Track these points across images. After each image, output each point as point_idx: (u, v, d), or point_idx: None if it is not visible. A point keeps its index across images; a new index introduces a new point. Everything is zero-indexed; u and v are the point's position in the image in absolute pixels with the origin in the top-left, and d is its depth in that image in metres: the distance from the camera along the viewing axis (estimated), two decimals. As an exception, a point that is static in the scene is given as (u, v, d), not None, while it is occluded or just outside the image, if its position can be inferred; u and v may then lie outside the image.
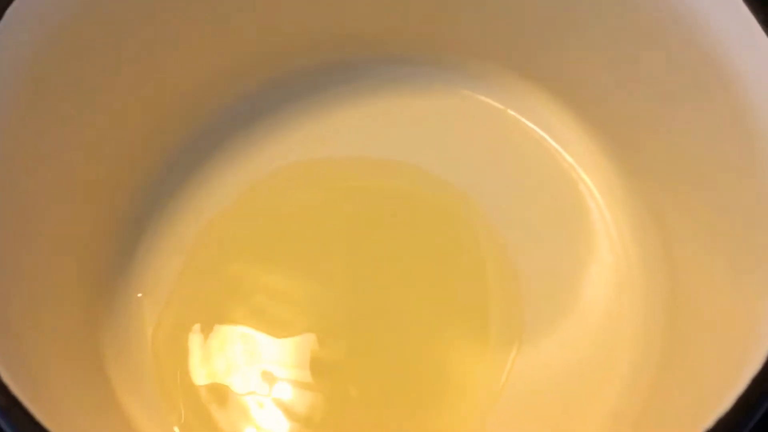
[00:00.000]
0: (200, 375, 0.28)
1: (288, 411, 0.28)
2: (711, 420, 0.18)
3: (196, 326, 0.29)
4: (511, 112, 0.33)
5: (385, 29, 0.32)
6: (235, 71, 0.32)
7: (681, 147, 0.28)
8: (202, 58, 0.30)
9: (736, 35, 0.24)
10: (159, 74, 0.29)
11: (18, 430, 0.17)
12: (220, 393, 0.28)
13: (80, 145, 0.27)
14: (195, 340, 0.29)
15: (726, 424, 0.18)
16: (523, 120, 0.33)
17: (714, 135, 0.26)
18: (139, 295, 0.29)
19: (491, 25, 0.31)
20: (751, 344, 0.20)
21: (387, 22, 0.32)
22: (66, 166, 0.26)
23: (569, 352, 0.29)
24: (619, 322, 0.29)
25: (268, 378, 0.28)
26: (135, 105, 0.29)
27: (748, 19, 0.24)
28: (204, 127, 0.32)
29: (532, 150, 0.32)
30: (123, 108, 0.28)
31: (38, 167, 0.25)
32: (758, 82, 0.24)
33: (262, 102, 0.33)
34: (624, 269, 0.30)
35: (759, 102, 0.23)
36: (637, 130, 0.30)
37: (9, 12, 0.22)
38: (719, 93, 0.25)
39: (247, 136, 0.32)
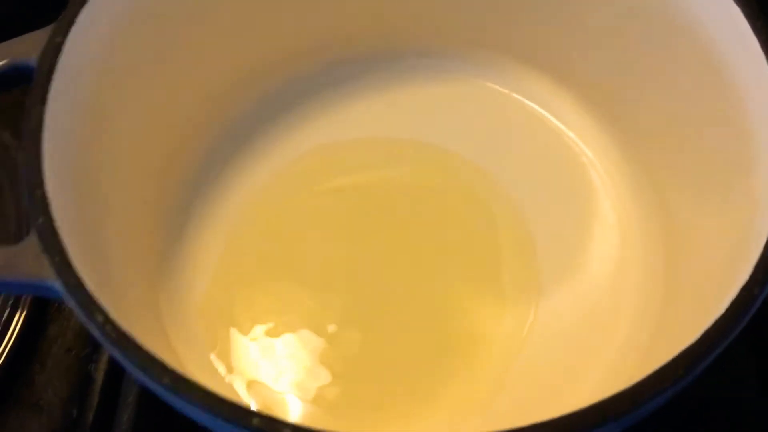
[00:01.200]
0: (242, 325, 0.31)
1: (317, 361, 0.31)
2: (709, 323, 0.21)
3: (238, 305, 0.32)
4: (516, 96, 0.36)
5: (397, 24, 0.36)
6: (262, 70, 0.35)
7: (668, 113, 0.32)
8: (237, 56, 0.34)
9: (716, 12, 0.28)
10: (206, 66, 0.32)
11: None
12: (258, 340, 0.31)
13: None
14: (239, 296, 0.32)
15: (722, 324, 0.21)
16: (527, 102, 0.36)
17: (695, 98, 0.29)
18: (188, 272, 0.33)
19: (494, 17, 0.35)
20: (738, 264, 0.23)
21: (398, 17, 0.36)
22: (133, 153, 0.30)
23: (581, 303, 0.32)
24: (624, 271, 0.32)
25: (294, 329, 0.31)
26: (187, 92, 0.32)
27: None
28: (240, 118, 0.35)
29: (536, 128, 0.36)
30: (175, 93, 0.32)
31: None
32: (733, 52, 0.28)
33: (289, 94, 0.36)
34: (625, 225, 0.33)
35: (733, 63, 0.27)
36: (629, 103, 0.34)
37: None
38: (697, 65, 0.29)
39: (277, 124, 0.36)
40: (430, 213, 0.34)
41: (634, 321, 0.31)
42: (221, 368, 0.30)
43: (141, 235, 0.30)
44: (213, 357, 0.30)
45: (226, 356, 0.31)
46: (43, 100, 0.25)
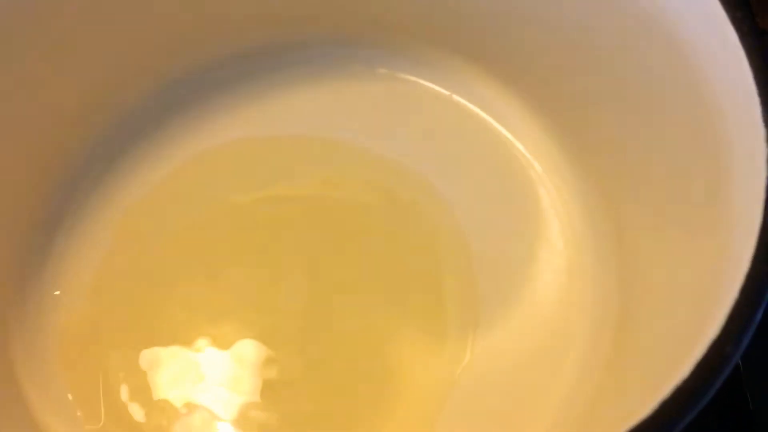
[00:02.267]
0: (122, 378, 0.26)
1: (218, 418, 0.26)
2: (669, 389, 0.17)
3: (118, 328, 0.27)
4: (457, 98, 0.32)
5: (328, 9, 0.31)
6: (169, 52, 0.30)
7: (629, 128, 0.27)
8: (142, 32, 0.29)
9: (691, 17, 0.24)
10: (88, 52, 0.27)
11: None
12: (141, 397, 0.26)
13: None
14: (117, 343, 0.27)
15: (685, 391, 0.17)
16: (471, 105, 0.32)
17: (662, 108, 0.25)
18: (57, 292, 0.27)
19: (437, 9, 0.30)
20: (707, 312, 0.19)
21: (331, 1, 0.31)
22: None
23: (523, 342, 0.28)
24: (571, 308, 0.28)
25: (195, 380, 0.27)
26: (57, 91, 0.27)
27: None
28: (134, 108, 0.30)
29: (480, 136, 0.31)
30: (44, 93, 0.26)
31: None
32: (705, 51, 0.23)
33: (193, 86, 0.31)
34: (574, 254, 0.29)
35: (707, 71, 0.23)
36: (585, 114, 0.29)
37: None
38: (666, 66, 0.25)
39: (180, 117, 0.31)
40: (356, 229, 0.30)
41: (581, 368, 0.26)
42: (81, 415, 0.25)
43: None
44: (71, 399, 0.25)
45: (90, 398, 0.25)
46: None
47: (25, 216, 0.27)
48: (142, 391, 0.26)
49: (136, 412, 0.26)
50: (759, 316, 0.18)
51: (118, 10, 0.27)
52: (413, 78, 0.32)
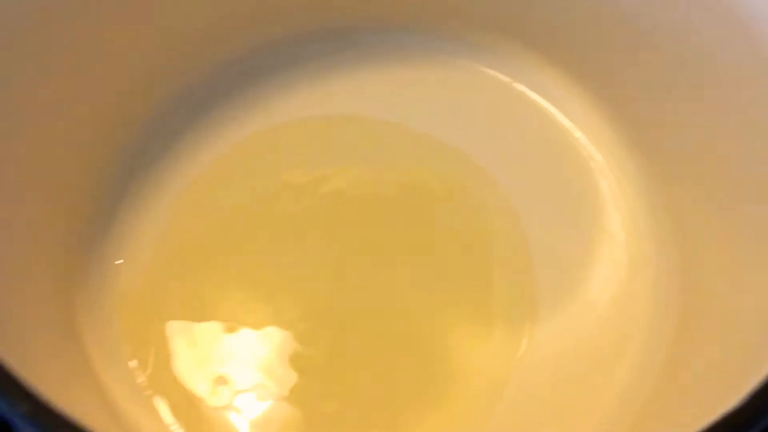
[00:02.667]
0: (174, 346, 0.27)
1: (265, 378, 0.27)
2: (716, 416, 0.17)
3: (175, 300, 0.28)
4: (518, 86, 0.31)
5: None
6: (229, 30, 0.30)
7: (695, 118, 0.27)
8: (198, 12, 0.29)
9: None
10: (151, 27, 0.27)
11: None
12: (191, 367, 0.27)
13: (66, 96, 0.25)
14: (172, 313, 0.28)
15: (732, 422, 0.16)
16: (531, 94, 0.31)
17: (729, 103, 0.24)
18: (118, 261, 0.28)
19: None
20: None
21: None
22: (49, 120, 0.25)
23: (580, 336, 0.28)
24: (630, 305, 0.28)
25: (245, 358, 0.27)
26: (125, 60, 0.27)
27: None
28: (193, 88, 0.30)
29: (541, 126, 0.31)
30: (114, 63, 0.27)
31: (21, 121, 0.23)
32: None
33: (257, 63, 0.31)
34: (636, 247, 0.29)
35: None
36: (649, 104, 0.29)
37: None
38: (747, 61, 0.24)
39: (236, 98, 0.31)
40: (408, 214, 0.30)
41: (637, 367, 0.26)
42: (143, 380, 0.26)
43: (55, 221, 0.26)
44: (133, 365, 0.26)
45: (152, 365, 0.26)
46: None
47: (90, 189, 0.27)
48: (194, 361, 0.27)
49: (187, 379, 0.26)
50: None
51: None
52: (472, 63, 0.32)
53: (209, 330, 0.27)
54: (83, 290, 0.27)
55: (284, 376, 0.27)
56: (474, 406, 0.27)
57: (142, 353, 0.27)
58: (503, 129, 0.31)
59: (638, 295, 0.28)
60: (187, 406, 0.26)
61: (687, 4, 0.25)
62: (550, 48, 0.31)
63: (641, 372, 0.26)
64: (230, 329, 0.27)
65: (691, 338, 0.24)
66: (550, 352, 0.27)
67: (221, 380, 0.26)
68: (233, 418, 0.26)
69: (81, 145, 0.26)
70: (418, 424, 0.26)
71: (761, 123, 0.24)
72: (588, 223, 0.29)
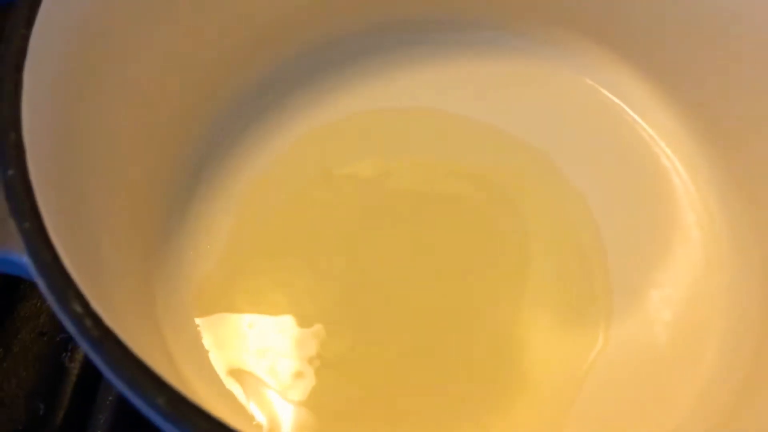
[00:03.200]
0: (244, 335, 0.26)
1: (331, 370, 0.26)
2: None
3: (240, 293, 0.27)
4: (589, 81, 0.31)
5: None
6: (295, 26, 0.30)
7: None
8: (268, 7, 0.28)
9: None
10: (232, 14, 0.27)
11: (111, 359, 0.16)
12: (258, 357, 0.26)
13: (149, 81, 0.25)
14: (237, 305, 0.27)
15: None
16: (602, 90, 0.31)
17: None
18: (191, 252, 0.27)
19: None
20: None
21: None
22: (135, 106, 0.24)
23: (658, 334, 0.27)
24: (708, 304, 0.27)
25: (305, 325, 0.26)
26: (204, 49, 0.27)
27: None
28: (263, 81, 0.30)
29: (612, 122, 0.31)
30: (193, 51, 0.26)
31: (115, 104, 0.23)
32: None
33: (324, 57, 0.31)
34: (712, 246, 0.28)
35: None
36: (723, 101, 0.28)
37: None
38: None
39: (305, 91, 0.30)
40: (479, 208, 0.29)
41: (718, 367, 0.26)
42: (221, 371, 0.25)
43: (137, 209, 0.25)
44: (213, 358, 0.25)
45: (228, 356, 0.25)
46: (29, 22, 0.19)
47: (165, 182, 0.27)
48: (260, 353, 0.26)
49: (254, 367, 0.26)
50: None
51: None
52: (543, 59, 0.31)
53: (274, 323, 0.26)
54: (160, 276, 0.26)
55: (346, 362, 0.26)
56: (547, 406, 0.26)
57: (212, 335, 0.26)
58: (575, 125, 0.30)
59: (715, 295, 0.27)
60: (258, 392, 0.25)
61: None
62: (620, 44, 0.31)
63: (722, 371, 0.26)
64: (300, 323, 0.27)
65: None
66: (628, 350, 0.26)
67: (299, 375, 0.26)
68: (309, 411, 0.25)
69: (158, 144, 0.26)
70: (485, 427, 0.26)
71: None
72: (663, 221, 0.29)
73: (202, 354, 0.25)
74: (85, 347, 0.17)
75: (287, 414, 0.25)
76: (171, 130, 0.27)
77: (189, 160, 0.28)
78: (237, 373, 0.25)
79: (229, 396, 0.24)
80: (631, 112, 0.31)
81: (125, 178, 0.24)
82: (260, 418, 0.25)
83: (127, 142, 0.24)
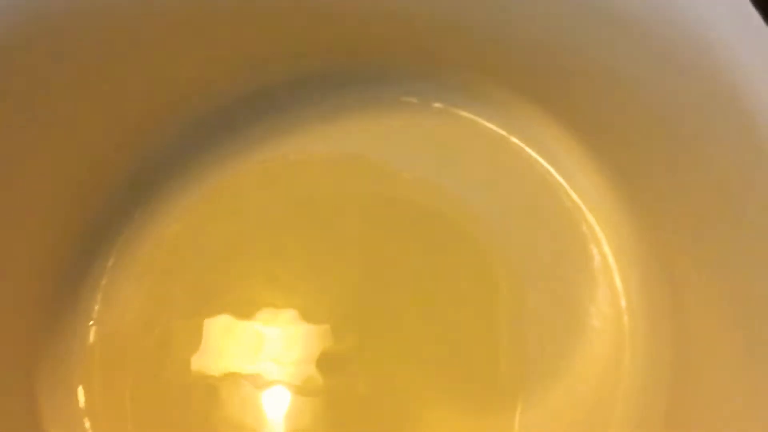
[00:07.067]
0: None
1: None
2: None
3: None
4: (515, 140, 0.30)
5: (380, 39, 0.29)
6: (211, 82, 0.29)
7: (702, 188, 0.26)
8: (173, 69, 0.27)
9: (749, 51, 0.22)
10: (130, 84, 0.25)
11: None
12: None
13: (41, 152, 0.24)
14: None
15: None
16: (528, 150, 0.30)
17: (739, 173, 0.23)
18: (91, 323, 0.27)
19: (496, 44, 0.28)
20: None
21: (383, 32, 0.29)
22: (21, 177, 0.23)
23: (570, 409, 0.27)
24: (619, 380, 0.27)
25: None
26: (100, 118, 0.25)
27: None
28: (170, 143, 0.29)
29: (535, 184, 0.30)
30: (87, 121, 0.25)
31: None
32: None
33: (240, 113, 0.30)
34: (627, 323, 0.28)
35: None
36: (651, 169, 0.28)
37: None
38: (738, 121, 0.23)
39: (213, 149, 0.29)
40: (415, 260, 0.29)
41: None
42: None
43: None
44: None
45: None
46: None
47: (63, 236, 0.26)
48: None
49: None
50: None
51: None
52: (469, 115, 0.30)
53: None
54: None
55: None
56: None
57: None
58: (497, 184, 0.30)
59: (627, 371, 0.27)
60: None
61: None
62: (550, 102, 0.29)
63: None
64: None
65: (682, 416, 0.24)
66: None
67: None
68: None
69: (50, 200, 0.25)
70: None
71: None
72: (580, 291, 0.28)
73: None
74: None
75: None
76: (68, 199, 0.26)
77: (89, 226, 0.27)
78: None
79: None
80: (557, 175, 0.30)
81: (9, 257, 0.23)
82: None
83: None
